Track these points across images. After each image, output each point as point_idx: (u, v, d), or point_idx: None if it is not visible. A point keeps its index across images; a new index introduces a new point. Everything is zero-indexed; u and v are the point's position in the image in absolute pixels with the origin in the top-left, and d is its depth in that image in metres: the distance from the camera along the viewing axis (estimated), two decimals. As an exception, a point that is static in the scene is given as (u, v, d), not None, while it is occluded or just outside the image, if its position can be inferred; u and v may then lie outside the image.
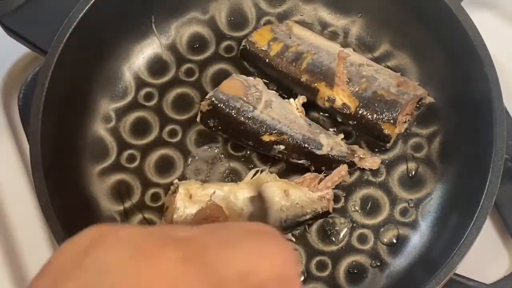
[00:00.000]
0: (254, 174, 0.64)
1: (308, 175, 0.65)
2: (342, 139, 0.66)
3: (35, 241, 0.67)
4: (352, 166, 0.65)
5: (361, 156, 0.65)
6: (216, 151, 0.68)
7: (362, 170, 0.66)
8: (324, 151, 0.64)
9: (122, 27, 0.69)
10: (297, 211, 0.62)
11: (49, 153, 0.62)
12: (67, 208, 0.63)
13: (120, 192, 0.67)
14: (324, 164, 0.65)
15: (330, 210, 0.63)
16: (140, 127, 0.70)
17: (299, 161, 0.65)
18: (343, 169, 0.64)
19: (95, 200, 0.67)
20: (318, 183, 0.64)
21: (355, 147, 0.66)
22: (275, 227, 0.61)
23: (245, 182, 0.63)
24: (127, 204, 0.67)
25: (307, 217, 0.63)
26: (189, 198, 0.61)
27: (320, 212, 0.63)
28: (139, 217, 0.67)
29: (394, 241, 0.65)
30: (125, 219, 0.66)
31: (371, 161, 0.66)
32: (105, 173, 0.68)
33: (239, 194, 0.62)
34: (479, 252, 0.60)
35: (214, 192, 0.62)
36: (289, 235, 0.65)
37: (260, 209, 0.62)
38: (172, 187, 0.64)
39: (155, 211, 0.67)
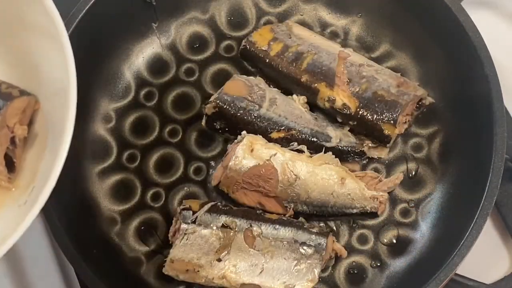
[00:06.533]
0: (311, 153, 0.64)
1: (370, 172, 0.65)
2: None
3: (35, 241, 0.67)
4: (361, 155, 0.66)
5: (370, 145, 0.65)
6: (216, 150, 0.68)
7: (371, 159, 0.67)
8: (333, 143, 0.65)
9: (122, 27, 0.69)
10: (347, 202, 0.63)
11: (49, 153, 0.62)
12: (67, 208, 0.63)
13: (120, 192, 0.67)
14: (335, 155, 0.65)
15: (379, 213, 0.64)
16: (141, 127, 0.70)
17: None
18: (399, 177, 0.65)
19: (95, 200, 0.67)
20: (376, 184, 0.64)
21: (362, 137, 0.66)
22: (320, 209, 0.62)
23: (307, 155, 0.64)
24: (127, 204, 0.67)
25: (354, 211, 0.63)
26: (250, 151, 0.62)
27: (368, 211, 0.63)
28: (139, 217, 0.67)
29: (394, 241, 0.65)
30: (125, 219, 0.66)
31: (380, 149, 0.66)
32: (105, 173, 0.68)
33: (298, 165, 0.63)
34: (479, 252, 0.60)
35: (275, 154, 0.63)
36: (332, 223, 0.65)
37: (311, 185, 0.62)
38: (239, 137, 0.64)
39: (155, 210, 0.67)
